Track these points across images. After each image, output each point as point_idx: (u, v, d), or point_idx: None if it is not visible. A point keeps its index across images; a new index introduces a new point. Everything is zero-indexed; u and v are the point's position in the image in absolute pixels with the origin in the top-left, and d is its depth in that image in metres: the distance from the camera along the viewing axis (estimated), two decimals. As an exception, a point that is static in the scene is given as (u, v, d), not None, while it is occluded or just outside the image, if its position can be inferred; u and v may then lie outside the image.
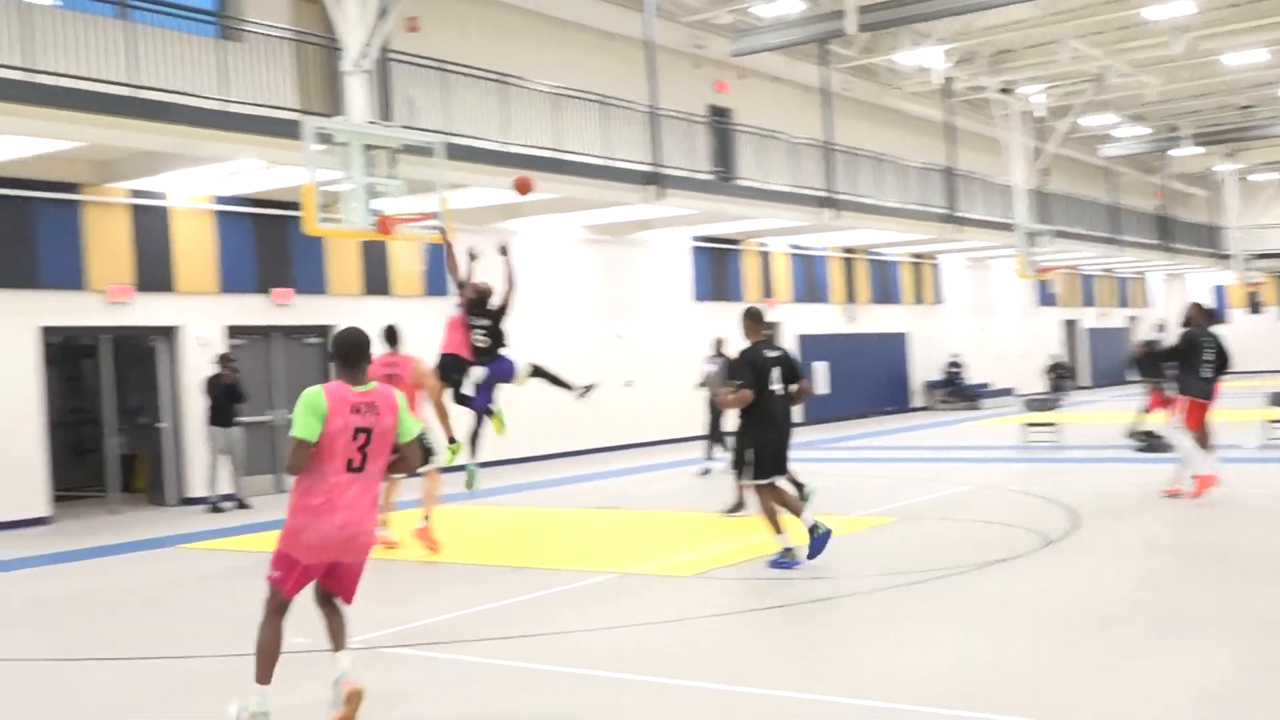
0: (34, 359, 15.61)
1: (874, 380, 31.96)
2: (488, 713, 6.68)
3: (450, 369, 12.34)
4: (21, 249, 15.38)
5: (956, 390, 33.96)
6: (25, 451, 15.36)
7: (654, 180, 20.92)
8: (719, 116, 26.89)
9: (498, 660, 7.64)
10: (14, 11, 13.65)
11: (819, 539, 10.20)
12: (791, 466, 10.90)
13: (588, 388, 12.90)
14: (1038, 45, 30.17)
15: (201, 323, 17.23)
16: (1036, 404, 21.37)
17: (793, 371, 10.48)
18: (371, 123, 14.81)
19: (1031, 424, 20.49)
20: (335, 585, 6.46)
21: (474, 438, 12.62)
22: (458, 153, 16.88)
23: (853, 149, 27.70)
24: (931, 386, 34.29)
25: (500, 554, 11.79)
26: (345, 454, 6.12)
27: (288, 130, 14.78)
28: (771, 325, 10.49)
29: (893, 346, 33.10)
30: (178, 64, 15.06)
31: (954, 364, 34.44)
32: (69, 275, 15.81)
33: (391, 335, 12.35)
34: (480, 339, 12.36)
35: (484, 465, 15.01)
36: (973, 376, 34.93)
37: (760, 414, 10.31)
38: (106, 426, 16.99)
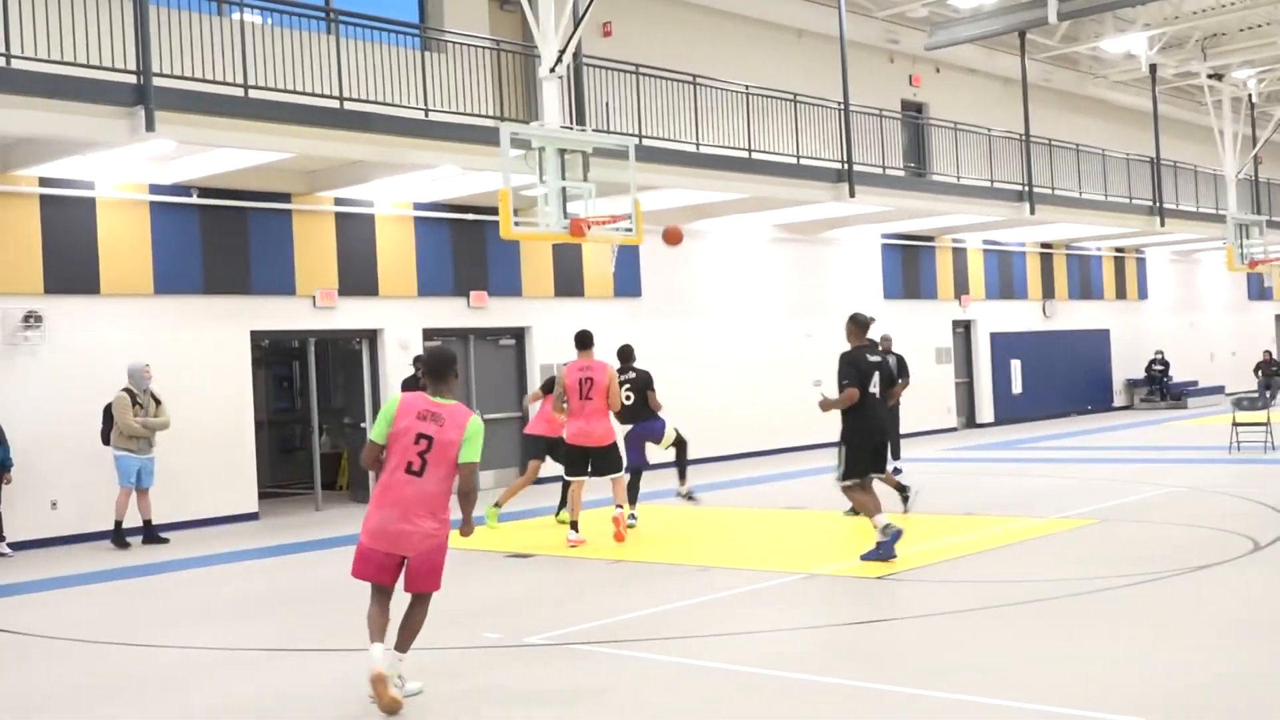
0: (246, 362, 16.40)
1: (1073, 379, 31.06)
2: (664, 711, 6.78)
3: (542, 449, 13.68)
4: (237, 257, 16.15)
5: (1160, 389, 32.75)
6: (237, 450, 16.13)
7: (846, 178, 20.76)
8: (913, 111, 26.53)
9: (679, 659, 7.72)
10: (231, 32, 14.35)
11: (888, 541, 10.52)
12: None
13: (689, 497, 14.09)
14: (1252, 28, 28.85)
15: (401, 325, 17.82)
16: (1246, 403, 20.47)
17: (891, 378, 11.15)
18: (565, 127, 15.09)
19: (1240, 423, 19.65)
20: (410, 580, 6.87)
21: (633, 490, 13.49)
22: (650, 154, 17.11)
23: (1052, 141, 26.96)
24: (1134, 385, 33.14)
25: (686, 553, 11.88)
26: (405, 456, 6.68)
27: (485, 137, 15.18)
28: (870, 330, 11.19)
29: (1093, 344, 32.09)
30: (382, 76, 15.61)
31: (1157, 361, 33.19)
32: (280, 281, 16.54)
33: (585, 340, 12.81)
34: (627, 394, 13.26)
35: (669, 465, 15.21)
36: (1179, 374, 33.63)
37: (861, 415, 10.76)
38: (312, 426, 17.72)
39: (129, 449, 13.99)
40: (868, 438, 10.81)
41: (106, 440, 14.10)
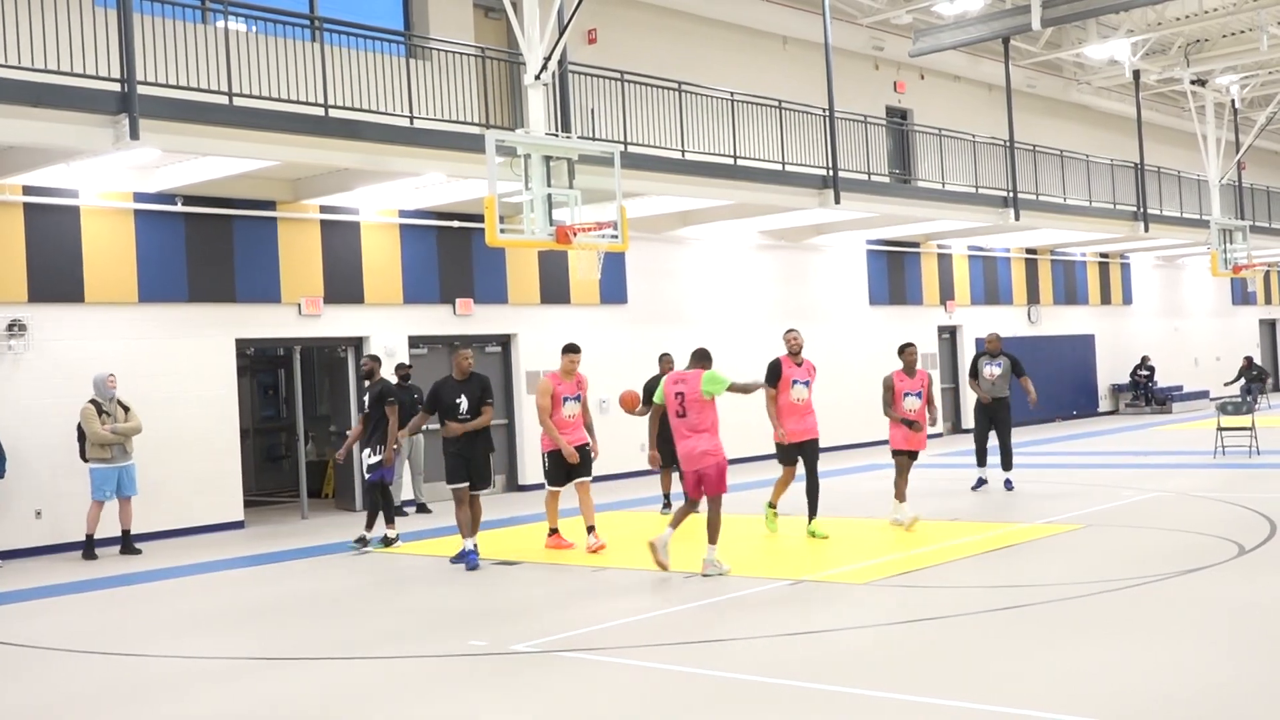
0: (231, 370, 16.34)
1: (1057, 384, 31.06)
2: (651, 718, 6.78)
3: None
4: (222, 265, 16.11)
5: (1145, 394, 32.85)
6: (223, 459, 16.07)
7: (831, 184, 20.79)
8: (897, 118, 26.58)
9: (666, 665, 7.71)
10: (215, 39, 14.31)
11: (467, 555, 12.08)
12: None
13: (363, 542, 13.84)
14: (1234, 34, 29.01)
15: (387, 333, 17.79)
16: (1230, 407, 20.56)
17: (481, 400, 12.14)
18: (551, 134, 15.08)
19: (1224, 428, 19.72)
20: (707, 487, 10.74)
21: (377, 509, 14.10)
22: (635, 161, 17.11)
23: (1036, 147, 27.04)
24: (1119, 390, 33.23)
25: (672, 560, 11.84)
26: (673, 408, 10.86)
27: (470, 144, 15.19)
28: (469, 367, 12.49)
29: (1078, 349, 32.16)
30: (367, 83, 15.59)
31: (1142, 366, 33.27)
32: (265, 289, 16.50)
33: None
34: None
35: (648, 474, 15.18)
36: (1164, 379, 33.72)
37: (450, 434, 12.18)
38: (297, 434, 17.66)
39: (103, 459, 13.86)
40: (451, 449, 12.13)
41: (85, 456, 14.00)
